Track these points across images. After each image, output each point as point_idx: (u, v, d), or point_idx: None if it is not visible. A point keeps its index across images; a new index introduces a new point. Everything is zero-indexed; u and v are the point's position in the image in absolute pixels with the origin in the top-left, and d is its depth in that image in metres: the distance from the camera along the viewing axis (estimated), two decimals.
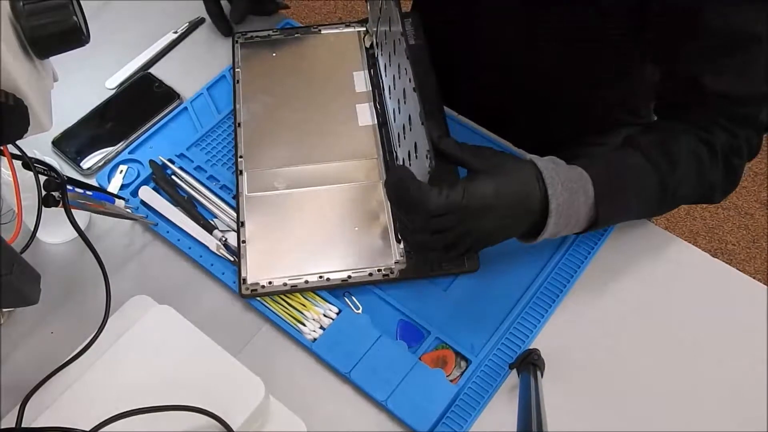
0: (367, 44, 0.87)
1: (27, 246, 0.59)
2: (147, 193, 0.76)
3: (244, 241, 0.72)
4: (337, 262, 0.71)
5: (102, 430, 0.53)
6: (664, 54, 0.72)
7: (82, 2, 0.52)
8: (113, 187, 0.76)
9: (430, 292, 0.71)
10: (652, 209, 0.71)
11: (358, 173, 0.77)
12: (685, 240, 0.75)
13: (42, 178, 0.58)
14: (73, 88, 0.83)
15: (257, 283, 0.69)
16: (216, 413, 0.55)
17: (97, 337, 0.60)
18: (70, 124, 0.81)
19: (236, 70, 0.85)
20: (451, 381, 0.66)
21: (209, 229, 0.73)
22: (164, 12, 0.92)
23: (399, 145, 0.74)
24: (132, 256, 0.73)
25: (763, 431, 0.64)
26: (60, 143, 0.80)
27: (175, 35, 0.90)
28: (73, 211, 0.60)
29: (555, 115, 0.91)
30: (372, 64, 0.85)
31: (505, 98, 0.89)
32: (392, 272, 0.70)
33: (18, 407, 0.57)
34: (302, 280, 0.70)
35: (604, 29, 0.73)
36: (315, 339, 0.68)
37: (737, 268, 0.73)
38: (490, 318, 0.70)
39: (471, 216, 0.61)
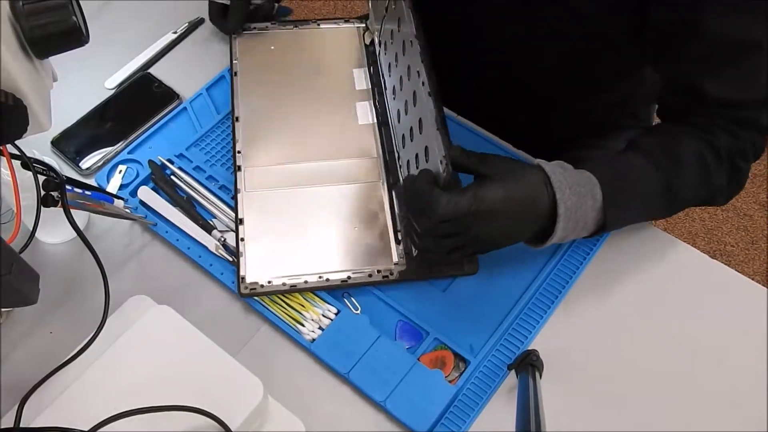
0: (367, 41, 0.87)
1: (26, 246, 0.59)
2: (146, 193, 0.76)
3: (242, 239, 0.72)
4: (336, 262, 0.71)
5: (101, 430, 0.53)
6: (664, 58, 0.72)
7: (81, 2, 0.52)
8: (112, 187, 0.76)
9: (429, 292, 0.71)
10: (659, 212, 0.71)
11: (358, 172, 0.77)
12: (684, 241, 0.75)
13: (41, 178, 0.58)
14: (73, 88, 0.83)
15: (256, 283, 0.69)
16: (215, 413, 0.55)
17: (96, 337, 0.60)
18: (69, 124, 0.81)
19: (234, 62, 0.84)
20: (450, 382, 0.66)
21: (208, 229, 0.73)
22: (164, 12, 0.92)
23: (403, 147, 0.74)
24: (131, 256, 0.73)
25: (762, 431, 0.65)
26: (59, 143, 0.80)
27: (175, 35, 0.90)
28: (72, 211, 0.60)
29: (555, 116, 0.91)
30: (372, 61, 0.85)
31: (504, 98, 0.89)
32: (392, 274, 0.70)
33: (17, 407, 0.57)
34: (302, 280, 0.69)
35: (604, 30, 0.73)
36: (314, 339, 0.68)
37: (736, 270, 0.73)
38: (488, 319, 0.70)
39: (479, 221, 0.61)
